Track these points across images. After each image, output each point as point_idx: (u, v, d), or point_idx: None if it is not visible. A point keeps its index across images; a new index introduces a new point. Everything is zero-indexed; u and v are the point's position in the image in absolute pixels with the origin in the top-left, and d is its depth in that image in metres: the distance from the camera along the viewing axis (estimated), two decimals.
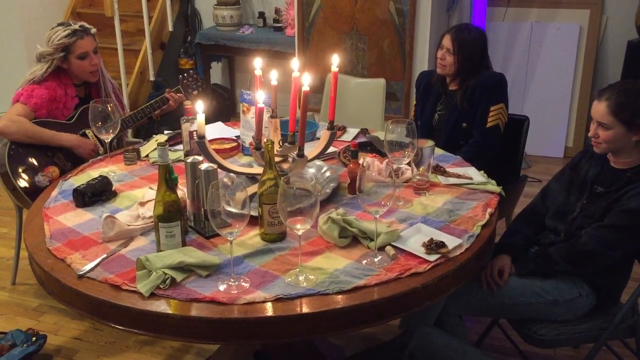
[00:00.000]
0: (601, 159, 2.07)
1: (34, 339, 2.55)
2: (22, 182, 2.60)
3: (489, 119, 2.68)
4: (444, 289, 1.69)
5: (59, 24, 2.74)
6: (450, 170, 2.24)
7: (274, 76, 1.97)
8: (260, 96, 1.88)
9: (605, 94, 1.94)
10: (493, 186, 2.13)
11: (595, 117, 1.96)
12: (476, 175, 2.21)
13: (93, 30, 2.77)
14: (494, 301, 2.09)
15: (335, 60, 1.97)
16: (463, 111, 2.72)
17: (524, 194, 2.95)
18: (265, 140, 1.80)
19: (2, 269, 3.23)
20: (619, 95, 1.91)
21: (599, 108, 1.94)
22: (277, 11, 4.87)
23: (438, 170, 2.22)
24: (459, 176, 2.19)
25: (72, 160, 2.65)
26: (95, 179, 2.11)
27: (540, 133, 4.43)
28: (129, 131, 3.06)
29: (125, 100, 3.87)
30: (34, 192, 2.47)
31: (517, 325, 2.14)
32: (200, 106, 1.81)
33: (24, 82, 2.70)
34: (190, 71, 2.85)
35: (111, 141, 2.63)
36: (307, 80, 1.81)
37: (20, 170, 2.61)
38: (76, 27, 2.71)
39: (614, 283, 2.07)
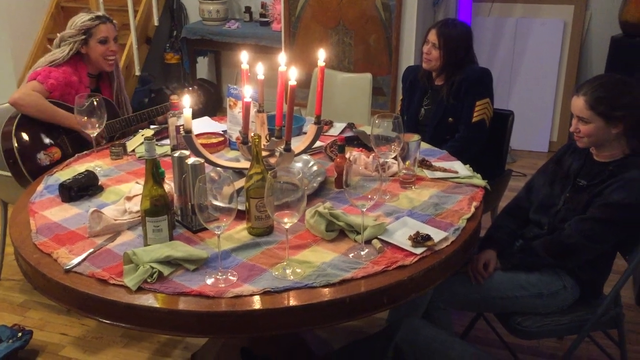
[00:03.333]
0: (584, 153, 2.10)
1: (19, 334, 2.54)
2: (24, 156, 2.58)
3: (475, 114, 2.70)
4: (430, 281, 1.70)
5: (83, 12, 2.82)
6: (436, 164, 2.26)
7: (260, 70, 1.98)
8: (247, 90, 1.88)
9: (582, 89, 1.97)
10: (478, 180, 2.15)
11: (575, 112, 1.99)
12: (462, 169, 2.23)
13: (114, 21, 2.83)
14: (479, 295, 2.11)
15: (321, 55, 1.97)
16: (449, 106, 2.74)
17: (509, 188, 2.98)
18: (252, 134, 1.80)
19: None
20: (595, 90, 1.94)
21: (578, 103, 1.97)
22: (263, 6, 4.86)
23: (424, 164, 2.23)
24: (444, 170, 2.21)
25: (74, 146, 2.65)
26: (82, 173, 2.10)
27: (525, 128, 4.48)
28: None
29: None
30: (32, 168, 2.50)
31: (502, 318, 2.17)
32: (187, 101, 1.81)
33: (44, 62, 2.72)
34: (195, 87, 2.88)
35: (113, 135, 2.67)
36: (293, 75, 1.82)
37: (24, 143, 2.60)
38: (99, 13, 2.80)
39: (597, 275, 2.11)
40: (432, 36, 2.70)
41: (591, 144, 2.04)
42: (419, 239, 1.73)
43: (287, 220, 1.59)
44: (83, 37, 2.70)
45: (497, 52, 4.61)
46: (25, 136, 2.60)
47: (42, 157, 2.57)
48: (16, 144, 2.57)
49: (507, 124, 2.83)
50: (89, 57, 2.75)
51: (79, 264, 1.65)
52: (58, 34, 2.79)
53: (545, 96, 4.57)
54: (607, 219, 1.96)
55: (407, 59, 3.85)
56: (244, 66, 2.01)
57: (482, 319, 2.48)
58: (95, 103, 2.24)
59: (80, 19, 2.73)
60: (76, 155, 2.43)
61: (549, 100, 4.57)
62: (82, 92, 2.74)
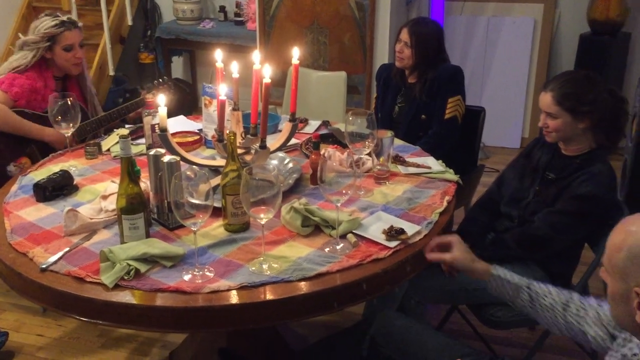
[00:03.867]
0: (552, 147, 2.15)
1: None
2: None
3: (447, 111, 2.75)
4: (404, 274, 1.74)
5: (45, 15, 2.71)
6: (410, 160, 2.30)
7: (235, 68, 1.99)
8: (222, 89, 1.90)
9: (550, 85, 2.03)
10: (451, 175, 2.20)
11: (543, 108, 2.05)
12: (435, 164, 2.27)
13: (80, 24, 2.76)
14: (453, 287, 2.15)
15: (295, 53, 2.00)
16: (422, 103, 2.79)
17: (482, 183, 3.04)
18: (227, 132, 1.82)
19: None
20: (562, 86, 2.00)
21: (545, 99, 2.03)
22: (237, 5, 4.87)
23: (398, 160, 2.27)
24: (418, 166, 2.25)
25: (44, 154, 2.62)
26: (56, 173, 2.09)
27: (497, 124, 4.55)
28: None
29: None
30: (3, 182, 2.45)
31: (476, 309, 2.22)
32: (161, 99, 1.82)
33: (6, 69, 2.66)
34: (165, 78, 2.86)
35: (84, 137, 2.63)
36: (268, 73, 1.84)
37: None
38: (64, 18, 2.69)
39: (566, 266, 2.16)
40: (404, 35, 2.74)
41: (559, 139, 2.09)
42: (393, 233, 1.77)
43: (263, 216, 1.61)
44: (47, 43, 2.63)
45: (469, 50, 4.68)
46: None
47: (12, 169, 2.54)
48: None
49: (478, 120, 2.89)
50: (54, 61, 2.70)
51: (55, 262, 1.66)
52: (21, 36, 2.72)
53: (516, 93, 4.65)
54: (574, 211, 2.01)
55: (381, 57, 3.90)
56: (219, 64, 2.02)
57: (456, 312, 2.52)
58: (69, 102, 2.23)
59: (44, 25, 2.64)
60: (50, 155, 2.42)
61: (520, 97, 4.65)
62: (47, 97, 2.69)
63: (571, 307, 1.57)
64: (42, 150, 2.62)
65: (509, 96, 4.67)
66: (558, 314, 1.59)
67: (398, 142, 2.50)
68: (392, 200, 2.02)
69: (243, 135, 2.05)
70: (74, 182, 2.11)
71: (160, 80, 2.79)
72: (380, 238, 1.77)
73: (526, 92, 4.64)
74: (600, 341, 1.49)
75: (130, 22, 4.96)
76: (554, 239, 2.05)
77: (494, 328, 2.18)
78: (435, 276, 2.14)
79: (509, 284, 1.68)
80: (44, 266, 1.64)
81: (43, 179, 2.06)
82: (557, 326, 1.60)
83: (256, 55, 1.97)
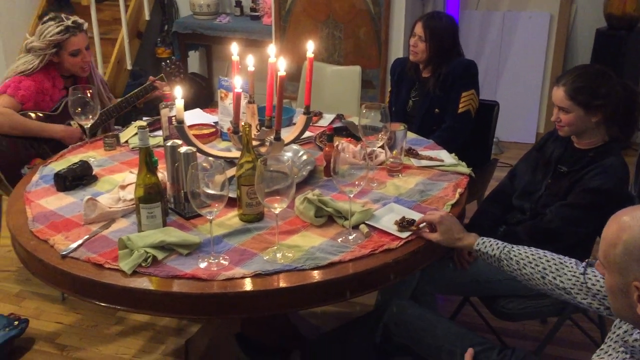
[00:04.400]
0: (565, 140, 2.16)
1: (16, 323, 2.59)
2: (8, 174, 2.61)
3: (461, 105, 2.76)
4: (415, 265, 1.77)
5: (50, 18, 2.70)
6: (423, 153, 2.32)
7: (250, 62, 2.03)
8: (238, 81, 1.93)
9: (562, 79, 2.04)
10: (463, 167, 2.22)
11: (556, 102, 2.06)
12: (447, 157, 2.29)
13: (85, 25, 2.76)
14: (464, 279, 2.18)
15: (310, 47, 2.02)
16: (435, 97, 2.80)
17: (495, 178, 3.05)
18: (242, 124, 1.85)
19: None
20: (574, 80, 2.01)
21: (558, 93, 2.04)
22: (254, 0, 4.90)
23: (411, 153, 2.29)
24: (430, 158, 2.27)
25: (58, 152, 2.67)
26: (76, 163, 2.15)
27: (512, 119, 4.55)
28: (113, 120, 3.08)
29: None
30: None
31: (487, 301, 2.24)
32: (178, 92, 1.86)
33: (13, 72, 2.68)
34: (173, 58, 2.88)
35: (95, 130, 2.67)
36: (282, 65, 1.87)
37: (6, 162, 2.62)
38: (69, 23, 2.68)
39: (577, 259, 2.17)
40: (419, 29, 2.76)
41: (572, 133, 2.10)
42: (405, 224, 1.79)
43: (277, 206, 1.64)
44: (54, 50, 2.66)
45: (484, 45, 4.68)
46: (5, 153, 2.62)
47: (27, 172, 2.57)
48: None
49: (492, 114, 2.90)
50: (61, 64, 2.73)
51: (75, 249, 1.71)
52: (28, 36, 2.73)
53: (531, 88, 4.64)
54: (586, 204, 2.02)
55: (396, 52, 3.91)
56: (235, 58, 2.06)
57: (468, 304, 2.54)
58: (88, 94, 2.28)
59: (49, 31, 2.64)
60: (70, 146, 2.48)
61: (535, 92, 4.64)
62: (56, 97, 2.75)
63: (548, 276, 1.64)
64: (54, 149, 2.66)
65: (524, 91, 4.66)
66: (539, 282, 1.67)
67: (411, 135, 2.52)
68: (404, 192, 2.05)
69: (258, 128, 2.08)
70: (93, 173, 2.16)
71: (168, 61, 2.81)
72: (392, 229, 1.80)
73: (541, 87, 4.63)
74: (596, 310, 1.57)
75: (147, 17, 5.01)
76: (565, 232, 2.06)
77: (505, 320, 2.20)
78: (446, 267, 2.17)
79: (490, 258, 1.75)
80: (64, 253, 1.69)
81: (63, 169, 2.11)
82: (546, 290, 1.68)
83: (272, 49, 2.00)
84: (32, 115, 2.67)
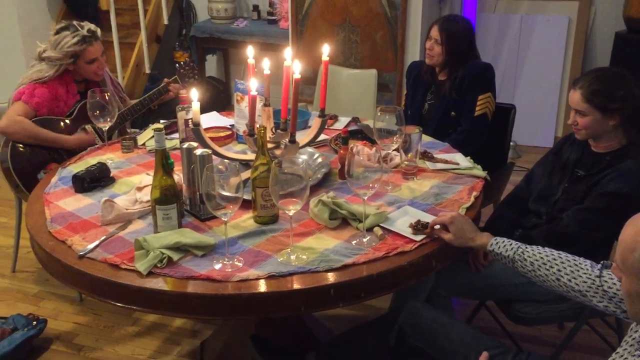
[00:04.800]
0: (582, 144, 2.15)
1: (34, 323, 2.62)
2: (25, 180, 2.65)
3: (477, 108, 2.75)
4: (430, 268, 1.77)
5: (63, 28, 2.71)
6: (438, 156, 2.32)
7: (266, 65, 2.04)
8: (253, 84, 1.95)
9: (579, 82, 2.02)
10: (479, 171, 2.21)
11: (572, 105, 2.04)
12: (463, 160, 2.29)
13: (99, 32, 2.78)
14: (480, 283, 2.17)
15: (325, 50, 2.03)
16: (452, 100, 2.79)
17: (511, 182, 3.02)
18: (258, 126, 1.86)
19: (2, 257, 3.29)
20: (591, 83, 1.99)
21: (574, 96, 2.02)
22: (271, 4, 4.93)
23: (426, 156, 2.29)
24: (446, 162, 2.27)
25: (71, 157, 2.71)
26: (94, 165, 2.17)
27: (530, 123, 4.52)
28: (128, 122, 3.12)
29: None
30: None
31: (503, 305, 2.22)
32: (195, 94, 1.88)
33: (27, 80, 2.71)
34: (187, 60, 2.91)
35: (111, 133, 2.69)
36: (297, 68, 1.88)
37: (22, 167, 2.66)
38: (84, 32, 2.69)
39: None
40: (435, 32, 2.76)
41: (589, 136, 2.08)
42: (419, 227, 1.79)
43: (292, 208, 1.65)
44: (71, 60, 2.69)
45: (502, 49, 4.66)
46: (21, 159, 2.66)
47: (43, 176, 2.60)
48: (14, 169, 2.62)
49: (509, 118, 2.88)
50: (76, 71, 2.76)
51: (92, 250, 1.73)
52: (41, 45, 2.75)
53: (550, 92, 4.61)
54: (604, 208, 2.00)
55: (413, 55, 3.91)
56: (250, 61, 2.07)
57: (484, 308, 2.53)
58: (106, 97, 2.31)
59: (67, 42, 2.65)
60: (88, 148, 2.51)
61: (553, 96, 4.61)
62: (70, 102, 2.78)
63: (563, 278, 1.62)
64: (69, 154, 2.67)
65: (542, 95, 4.63)
66: (554, 284, 1.66)
67: (427, 138, 2.52)
68: (419, 195, 2.05)
69: (273, 130, 2.09)
70: (111, 175, 2.18)
71: (183, 63, 2.83)
72: (407, 231, 1.80)
73: (559, 91, 4.59)
74: (612, 313, 1.56)
75: (166, 22, 5.06)
76: (582, 236, 2.04)
77: (521, 324, 2.18)
78: (462, 271, 2.16)
79: (504, 258, 1.74)
80: (81, 253, 1.71)
81: (81, 170, 2.14)
82: (561, 292, 1.66)
83: (287, 52, 2.01)
84: (51, 119, 2.70)
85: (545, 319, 2.14)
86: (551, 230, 2.10)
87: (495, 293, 2.19)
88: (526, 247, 1.72)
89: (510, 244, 1.74)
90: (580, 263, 1.63)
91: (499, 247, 1.75)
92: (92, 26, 2.77)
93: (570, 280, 1.61)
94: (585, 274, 1.60)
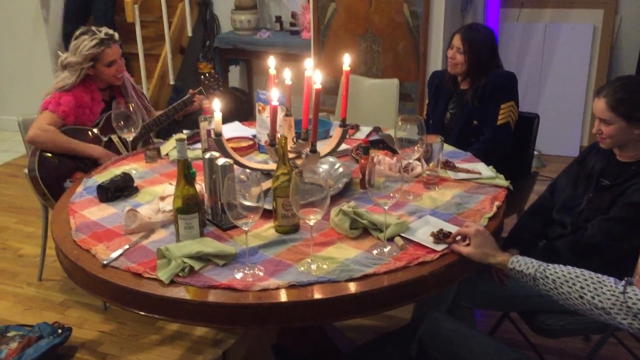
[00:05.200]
0: (607, 153, 2.12)
1: (59, 331, 2.66)
2: (52, 188, 2.70)
3: (500, 117, 2.73)
4: (451, 278, 1.75)
5: (82, 33, 2.79)
6: (460, 165, 2.30)
7: (287, 76, 2.05)
8: (275, 94, 1.96)
9: (603, 90, 2.00)
10: (501, 180, 2.19)
11: (597, 114, 2.02)
12: (485, 170, 2.27)
13: (116, 35, 2.84)
14: (503, 293, 2.14)
15: (346, 60, 2.04)
16: (474, 109, 2.78)
17: (535, 191, 2.99)
18: (279, 136, 1.88)
19: (29, 265, 3.35)
20: (616, 91, 1.96)
21: (599, 105, 2.00)
22: (293, 15, 4.96)
23: (447, 165, 2.28)
24: (467, 171, 2.25)
25: (96, 167, 2.74)
26: (118, 175, 2.20)
27: (555, 132, 4.48)
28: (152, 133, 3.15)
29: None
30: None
31: (527, 317, 2.19)
32: (217, 105, 1.90)
33: (52, 89, 2.78)
34: (212, 72, 2.95)
35: (136, 143, 2.73)
36: (318, 78, 1.89)
37: (49, 176, 2.71)
38: (102, 35, 2.76)
39: (621, 274, 2.11)
40: (457, 41, 2.75)
41: (614, 145, 2.06)
42: (441, 236, 1.78)
43: (312, 218, 1.65)
44: (90, 63, 2.74)
45: (525, 57, 4.62)
46: (48, 168, 2.71)
47: (69, 185, 2.64)
48: (41, 178, 2.67)
49: (532, 127, 2.85)
50: (97, 76, 2.81)
51: (115, 259, 1.75)
52: (60, 54, 2.82)
53: (575, 101, 4.56)
54: (629, 218, 1.97)
55: (435, 65, 3.90)
56: (272, 71, 2.09)
57: (507, 319, 2.50)
58: (131, 108, 2.35)
59: (85, 46, 2.72)
60: (113, 158, 2.54)
61: (578, 104, 4.56)
62: (96, 109, 2.83)
63: (586, 295, 1.58)
64: (95, 163, 2.73)
65: (566, 104, 4.58)
66: (576, 302, 1.61)
67: (448, 147, 2.51)
68: (440, 205, 2.03)
69: (295, 140, 2.10)
70: (134, 184, 2.21)
71: (207, 75, 2.86)
72: (428, 241, 1.79)
73: (585, 99, 4.54)
74: (637, 330, 1.51)
75: (190, 33, 5.13)
76: (608, 247, 2.01)
77: (545, 336, 2.15)
78: (484, 281, 2.14)
79: (525, 276, 1.71)
80: (105, 262, 1.73)
81: (106, 181, 2.17)
82: (584, 310, 1.62)
83: (308, 63, 2.02)
84: (77, 128, 2.75)
85: (570, 330, 2.11)
86: (576, 240, 2.07)
87: (519, 304, 2.16)
88: (547, 265, 1.68)
89: (532, 262, 1.70)
90: (603, 280, 1.59)
91: (520, 265, 1.71)
92: (110, 30, 2.83)
93: (593, 298, 1.57)
94: (609, 290, 1.56)
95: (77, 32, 2.82)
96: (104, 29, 2.82)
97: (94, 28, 2.82)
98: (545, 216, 2.27)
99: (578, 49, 4.46)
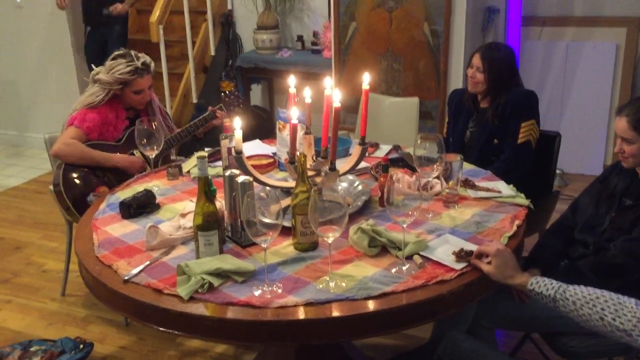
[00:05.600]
0: (630, 172, 2.10)
1: (81, 346, 2.69)
2: (76, 202, 2.75)
3: (520, 135, 2.72)
4: (470, 297, 1.74)
5: (121, 55, 2.83)
6: (480, 184, 2.30)
7: (307, 94, 2.07)
8: (294, 113, 1.98)
9: (625, 109, 1.98)
10: (522, 199, 2.18)
11: (618, 133, 2.00)
12: (505, 188, 2.26)
13: (152, 65, 2.88)
14: (524, 314, 2.12)
15: (366, 79, 2.05)
16: (494, 128, 2.77)
17: (557, 210, 2.96)
18: (298, 154, 1.89)
19: (53, 280, 3.39)
20: (637, 110, 1.95)
21: (620, 124, 1.98)
22: (314, 34, 5.01)
23: (467, 184, 2.27)
24: (487, 190, 2.25)
25: (120, 181, 2.78)
26: (140, 192, 2.24)
27: (578, 151, 4.43)
28: (173, 150, 3.20)
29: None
30: (85, 210, 2.61)
31: (548, 338, 2.16)
32: (238, 123, 1.93)
33: (80, 105, 2.83)
34: (233, 90, 2.98)
35: (157, 159, 2.76)
36: (337, 97, 1.91)
37: (73, 190, 2.76)
38: (138, 64, 2.80)
39: None
40: (476, 60, 2.75)
41: (636, 164, 2.03)
42: (463, 254, 1.77)
43: (331, 235, 1.66)
44: (119, 86, 2.79)
45: (547, 76, 4.60)
46: (72, 182, 2.75)
47: (92, 199, 2.69)
48: (66, 192, 2.72)
49: (554, 145, 2.84)
50: (122, 97, 2.86)
51: (136, 275, 1.77)
52: (94, 67, 2.88)
53: (598, 119, 4.52)
54: None
55: (456, 83, 3.90)
56: (292, 90, 2.11)
57: (529, 340, 2.46)
58: (153, 126, 2.38)
59: (119, 69, 2.77)
60: (135, 176, 2.58)
61: (602, 123, 4.51)
62: (120, 126, 2.88)
63: (607, 317, 1.56)
64: (117, 177, 2.78)
65: (589, 123, 4.54)
66: (597, 323, 1.59)
67: (468, 166, 2.50)
68: (460, 223, 2.03)
69: (314, 158, 2.12)
70: (156, 201, 2.24)
71: (228, 92, 2.90)
72: (447, 260, 1.78)
73: (608, 118, 4.49)
74: None
75: (213, 53, 5.21)
76: (630, 267, 1.99)
77: (568, 358, 2.12)
78: (505, 301, 2.12)
79: (545, 298, 1.69)
80: (126, 278, 1.76)
81: (128, 197, 2.20)
82: (605, 332, 1.60)
83: (328, 81, 2.04)
84: (101, 143, 2.80)
85: (593, 352, 2.07)
86: (598, 261, 2.05)
87: (540, 325, 2.13)
88: (567, 286, 1.66)
89: (552, 283, 1.68)
90: (624, 301, 1.57)
91: (540, 287, 1.69)
92: (148, 59, 2.87)
93: (614, 319, 1.55)
94: (630, 312, 1.53)
95: (117, 53, 2.87)
96: (143, 57, 2.86)
97: (133, 53, 2.86)
98: (567, 236, 2.25)
99: (601, 67, 4.43)
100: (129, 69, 2.78)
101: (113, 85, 2.80)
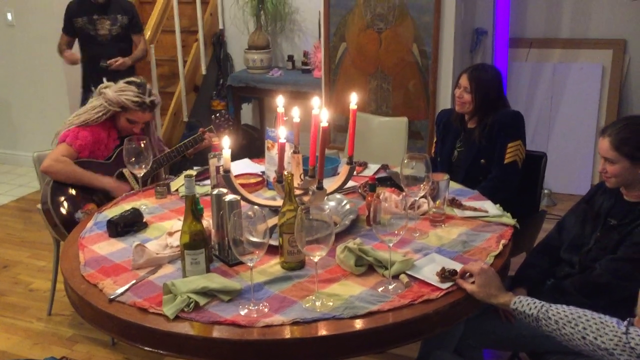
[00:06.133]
0: (615, 192, 2.12)
1: None
2: (63, 219, 2.74)
3: (507, 155, 2.75)
4: (456, 316, 1.75)
5: (136, 83, 2.84)
6: (467, 203, 2.31)
7: (296, 114, 2.09)
8: (282, 132, 1.99)
9: (607, 130, 2.01)
10: (508, 219, 2.20)
11: (601, 153, 2.03)
12: (492, 208, 2.28)
13: (159, 103, 2.90)
14: (511, 333, 2.12)
15: (353, 98, 2.08)
16: (481, 147, 2.80)
17: (544, 230, 2.98)
18: (285, 173, 1.90)
19: (39, 300, 3.37)
20: (620, 131, 1.98)
21: (603, 144, 2.01)
22: (305, 54, 5.05)
23: (454, 203, 2.29)
24: (474, 209, 2.26)
25: (110, 199, 2.78)
26: (128, 211, 2.24)
27: (565, 171, 4.47)
28: (162, 169, 3.20)
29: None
30: (73, 227, 2.60)
31: (535, 357, 2.17)
32: (226, 142, 1.94)
33: (76, 120, 2.83)
34: (222, 111, 3.00)
35: (146, 178, 2.76)
36: (325, 116, 1.92)
37: (61, 207, 2.75)
38: (147, 100, 2.82)
39: (629, 315, 2.09)
40: (464, 80, 2.79)
41: (619, 184, 2.06)
42: (446, 274, 1.78)
43: (317, 254, 1.67)
44: (119, 109, 2.81)
45: (535, 96, 4.65)
46: (60, 200, 2.75)
47: (80, 216, 2.70)
48: (54, 209, 2.71)
49: (540, 165, 2.86)
50: (116, 119, 2.87)
51: (122, 294, 1.76)
52: (107, 83, 2.90)
53: (585, 139, 4.56)
54: (637, 258, 1.96)
55: (444, 103, 3.94)
56: (280, 109, 2.13)
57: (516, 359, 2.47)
58: (142, 145, 2.39)
59: (127, 95, 2.78)
60: (124, 194, 2.58)
61: (589, 143, 4.56)
62: (111, 145, 2.89)
63: (589, 336, 1.57)
64: (108, 196, 2.77)
65: (576, 143, 4.59)
66: (579, 343, 1.60)
67: (456, 185, 2.52)
68: (446, 242, 2.04)
69: (302, 177, 2.13)
70: (144, 220, 2.24)
71: (218, 114, 2.91)
72: (433, 279, 1.79)
73: (595, 139, 4.54)
74: None
75: (204, 72, 5.24)
76: (616, 286, 2.00)
77: None
78: (491, 320, 2.12)
79: (528, 317, 1.70)
80: (112, 297, 1.75)
81: (116, 215, 2.20)
82: (588, 351, 1.61)
83: (315, 101, 2.06)
84: (91, 161, 2.80)
85: None
86: (584, 280, 2.06)
87: (526, 344, 2.14)
88: (550, 306, 1.67)
89: (534, 303, 1.70)
90: (605, 321, 1.58)
91: (522, 306, 1.71)
92: (157, 99, 2.90)
93: (596, 339, 1.56)
94: (611, 331, 1.55)
95: (134, 79, 2.89)
96: (154, 96, 2.88)
97: (148, 87, 2.88)
98: (553, 255, 2.26)
99: (587, 88, 4.49)
100: (136, 99, 2.80)
101: (113, 105, 2.80)
